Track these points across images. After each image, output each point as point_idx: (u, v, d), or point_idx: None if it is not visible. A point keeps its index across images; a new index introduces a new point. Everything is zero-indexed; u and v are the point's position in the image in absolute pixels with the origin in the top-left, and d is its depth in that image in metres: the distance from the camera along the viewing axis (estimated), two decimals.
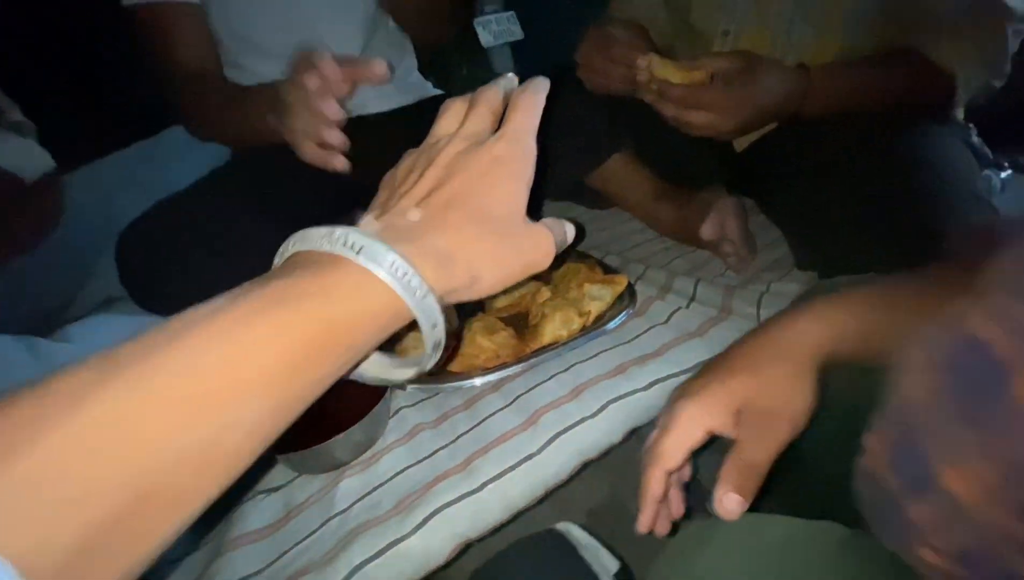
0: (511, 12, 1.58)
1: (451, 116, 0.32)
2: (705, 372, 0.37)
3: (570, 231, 0.32)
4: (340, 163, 0.61)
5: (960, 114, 0.70)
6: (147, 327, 0.20)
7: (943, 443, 0.24)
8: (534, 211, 0.30)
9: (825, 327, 0.35)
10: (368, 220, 0.28)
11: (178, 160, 0.97)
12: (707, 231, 0.74)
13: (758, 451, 0.33)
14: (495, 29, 1.54)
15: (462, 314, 0.70)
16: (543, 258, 0.30)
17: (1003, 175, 1.01)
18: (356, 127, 0.62)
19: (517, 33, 1.59)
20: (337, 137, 0.59)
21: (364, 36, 0.94)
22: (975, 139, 0.75)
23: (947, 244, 0.41)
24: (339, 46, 0.84)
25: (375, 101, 0.94)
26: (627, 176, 0.90)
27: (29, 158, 0.90)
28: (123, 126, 1.09)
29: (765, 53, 0.76)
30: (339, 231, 0.24)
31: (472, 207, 0.27)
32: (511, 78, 0.34)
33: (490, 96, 0.32)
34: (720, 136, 0.68)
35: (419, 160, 0.30)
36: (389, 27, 0.98)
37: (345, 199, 0.82)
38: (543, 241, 0.30)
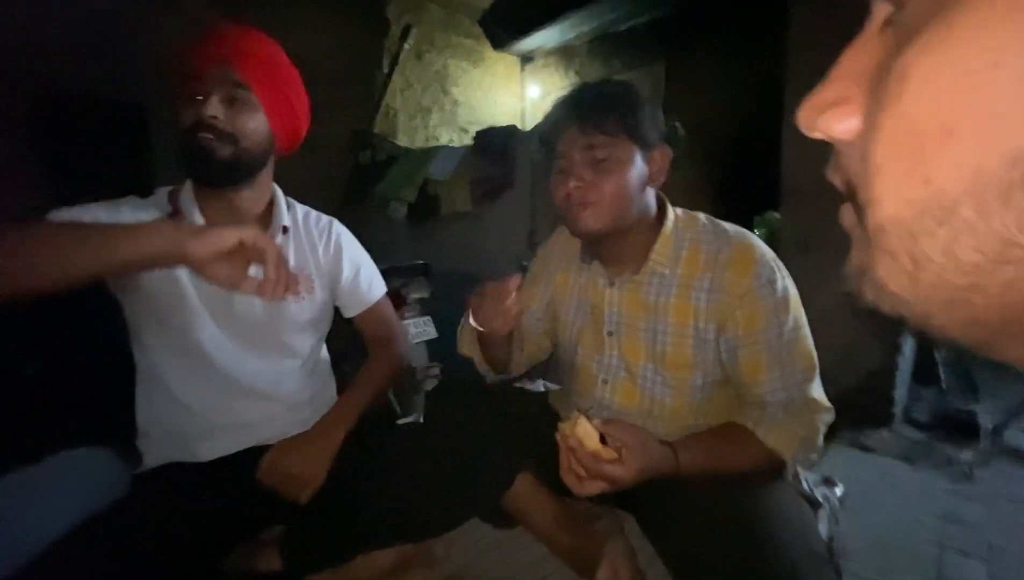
0: (428, 317, 1.83)
1: None
2: None
3: None
4: None
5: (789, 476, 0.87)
6: None
7: None
8: None
9: None
10: None
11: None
12: (603, 577, 0.78)
13: None
14: (412, 332, 1.75)
15: None
16: None
17: (838, 492, 1.19)
18: None
19: (431, 333, 1.81)
20: None
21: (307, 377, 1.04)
22: (806, 487, 0.91)
23: None
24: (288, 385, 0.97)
25: (294, 428, 0.98)
26: (531, 496, 0.96)
27: None
28: None
29: (635, 403, 0.94)
30: None
31: None
32: None
33: None
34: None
35: None
36: (321, 358, 1.08)
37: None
38: None
